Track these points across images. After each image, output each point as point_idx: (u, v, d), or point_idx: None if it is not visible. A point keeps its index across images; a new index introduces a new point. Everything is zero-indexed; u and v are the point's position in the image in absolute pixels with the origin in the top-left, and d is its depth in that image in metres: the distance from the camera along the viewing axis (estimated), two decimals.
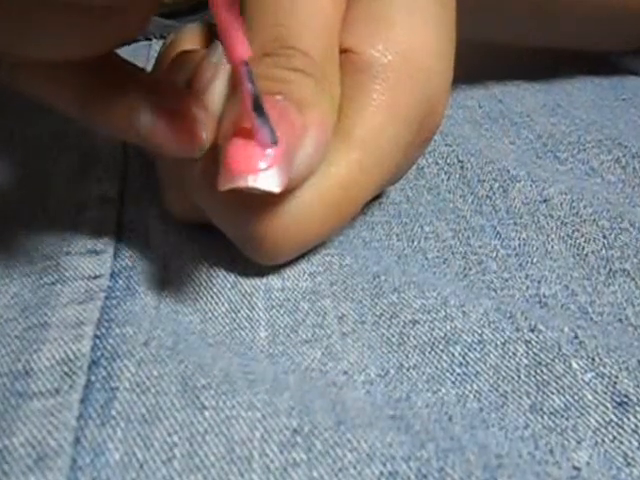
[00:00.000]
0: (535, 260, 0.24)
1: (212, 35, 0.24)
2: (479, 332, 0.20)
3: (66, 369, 0.18)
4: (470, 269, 0.23)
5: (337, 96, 0.21)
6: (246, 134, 0.19)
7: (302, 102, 0.20)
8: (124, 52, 0.40)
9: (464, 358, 0.20)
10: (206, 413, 0.17)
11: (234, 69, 0.18)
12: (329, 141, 0.20)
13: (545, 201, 0.26)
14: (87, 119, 0.21)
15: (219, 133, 0.20)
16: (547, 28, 0.34)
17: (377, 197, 0.26)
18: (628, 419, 0.18)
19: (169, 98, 0.20)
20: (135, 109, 0.20)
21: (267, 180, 0.18)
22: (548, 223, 0.25)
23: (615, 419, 0.18)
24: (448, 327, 0.20)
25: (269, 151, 0.19)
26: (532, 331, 0.20)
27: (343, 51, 0.22)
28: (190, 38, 0.24)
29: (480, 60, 0.36)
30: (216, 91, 0.21)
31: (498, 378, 0.19)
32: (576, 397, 0.19)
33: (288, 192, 0.20)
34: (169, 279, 0.22)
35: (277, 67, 0.20)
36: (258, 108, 0.19)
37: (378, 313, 0.21)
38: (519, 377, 0.19)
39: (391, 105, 0.21)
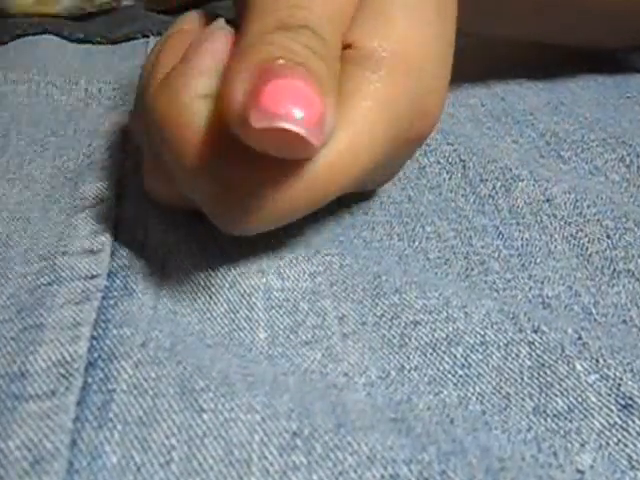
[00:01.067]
0: (538, 260, 0.23)
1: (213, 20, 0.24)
2: (481, 333, 0.20)
3: (62, 371, 0.18)
4: (472, 269, 0.23)
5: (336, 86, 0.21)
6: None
7: (320, 81, 0.19)
8: (123, 50, 0.40)
9: (466, 360, 0.19)
10: (204, 416, 0.17)
11: None
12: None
13: (548, 200, 0.26)
14: None
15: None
16: (549, 26, 0.34)
17: (378, 196, 0.26)
18: (633, 422, 0.18)
19: None
20: None
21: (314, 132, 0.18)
22: (551, 223, 0.25)
23: (619, 422, 0.18)
24: (450, 328, 0.20)
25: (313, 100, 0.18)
26: (535, 332, 0.20)
27: (344, 46, 0.21)
28: (189, 22, 0.24)
29: (482, 58, 0.36)
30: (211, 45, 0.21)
31: (501, 380, 0.19)
32: (580, 399, 0.18)
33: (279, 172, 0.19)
34: (167, 279, 0.22)
35: (294, 41, 0.19)
36: None
37: (379, 314, 0.21)
38: (522, 379, 0.19)
39: (382, 94, 0.21)
